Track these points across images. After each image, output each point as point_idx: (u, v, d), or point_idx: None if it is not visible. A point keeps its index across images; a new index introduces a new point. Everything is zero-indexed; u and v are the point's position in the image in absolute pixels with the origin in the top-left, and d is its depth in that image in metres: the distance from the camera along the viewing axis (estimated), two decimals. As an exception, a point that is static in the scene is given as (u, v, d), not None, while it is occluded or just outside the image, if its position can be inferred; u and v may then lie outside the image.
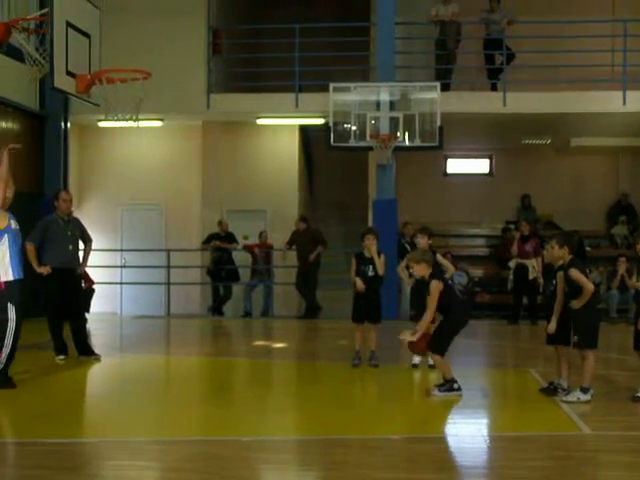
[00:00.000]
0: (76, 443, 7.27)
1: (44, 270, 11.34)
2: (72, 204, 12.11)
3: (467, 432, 7.91)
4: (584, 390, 8.81)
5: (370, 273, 11.18)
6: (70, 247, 11.73)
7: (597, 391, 8.98)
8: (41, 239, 11.50)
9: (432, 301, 9.23)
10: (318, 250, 18.23)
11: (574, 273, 8.79)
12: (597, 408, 8.66)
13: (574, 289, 8.83)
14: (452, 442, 7.59)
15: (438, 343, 9.36)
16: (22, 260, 9.72)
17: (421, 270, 9.44)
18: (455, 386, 9.27)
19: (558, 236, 9.28)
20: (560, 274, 9.10)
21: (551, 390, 9.20)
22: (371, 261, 11.19)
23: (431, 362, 10.96)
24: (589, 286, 8.79)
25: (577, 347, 8.95)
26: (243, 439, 7.31)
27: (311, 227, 18.84)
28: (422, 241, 11.24)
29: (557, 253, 9.01)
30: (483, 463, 6.98)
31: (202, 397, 9.94)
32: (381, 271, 11.23)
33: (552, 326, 9.11)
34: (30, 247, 11.39)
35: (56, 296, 11.57)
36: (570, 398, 8.81)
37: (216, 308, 19.13)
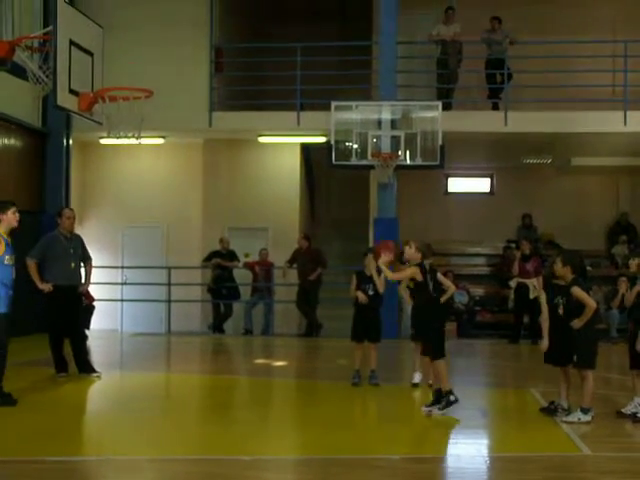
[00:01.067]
0: (75, 461, 7.26)
1: (46, 287, 11.35)
2: (75, 221, 12.13)
3: (467, 452, 7.90)
4: (584, 411, 8.81)
5: (370, 292, 11.20)
6: (72, 265, 11.73)
7: (597, 412, 8.97)
8: (43, 256, 11.50)
9: (403, 274, 9.68)
10: (318, 271, 18.24)
11: (577, 291, 8.81)
12: (597, 429, 8.65)
13: (576, 308, 8.84)
14: (452, 462, 7.58)
15: (438, 347, 9.33)
16: (8, 294, 9.51)
17: (413, 255, 9.56)
18: (452, 398, 9.23)
19: (563, 254, 9.33)
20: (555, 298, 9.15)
21: (551, 410, 9.20)
22: (371, 280, 11.21)
23: (431, 381, 10.95)
24: (592, 304, 8.81)
25: (576, 367, 8.98)
26: (243, 458, 7.30)
27: (312, 246, 18.84)
28: (409, 251, 11.19)
29: (560, 271, 9.03)
30: (483, 484, 6.98)
31: (202, 415, 9.93)
32: (381, 289, 11.24)
33: (545, 343, 9.13)
34: (31, 263, 11.40)
35: (57, 313, 11.58)
36: (571, 419, 8.81)
37: (217, 326, 19.11)
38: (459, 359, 14.73)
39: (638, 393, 9.16)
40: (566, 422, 8.74)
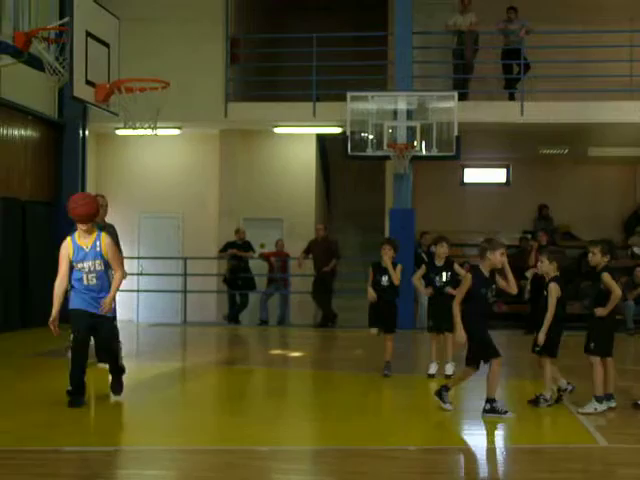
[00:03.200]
0: (92, 451, 7.29)
1: None
2: (107, 209, 12.02)
3: (483, 443, 7.90)
4: (599, 399, 8.77)
5: (384, 283, 11.18)
6: None
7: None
8: None
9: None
10: (332, 264, 18.26)
11: (607, 278, 8.80)
12: (613, 420, 8.64)
13: (602, 295, 8.84)
14: (468, 453, 7.58)
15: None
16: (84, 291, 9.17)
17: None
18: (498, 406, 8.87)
19: (602, 244, 9.27)
20: (552, 286, 9.11)
21: (533, 401, 9.20)
22: (387, 271, 11.19)
23: (448, 372, 10.98)
24: (618, 292, 8.80)
25: (592, 354, 8.91)
26: (260, 449, 7.32)
27: (329, 237, 18.87)
28: (442, 250, 11.25)
29: (597, 260, 9.02)
30: (499, 475, 6.97)
31: (218, 406, 9.97)
32: (396, 281, 11.20)
33: (541, 337, 9.09)
34: None
35: None
36: (587, 410, 8.77)
37: (232, 316, 19.16)
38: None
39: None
40: (583, 414, 8.72)
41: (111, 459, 7.17)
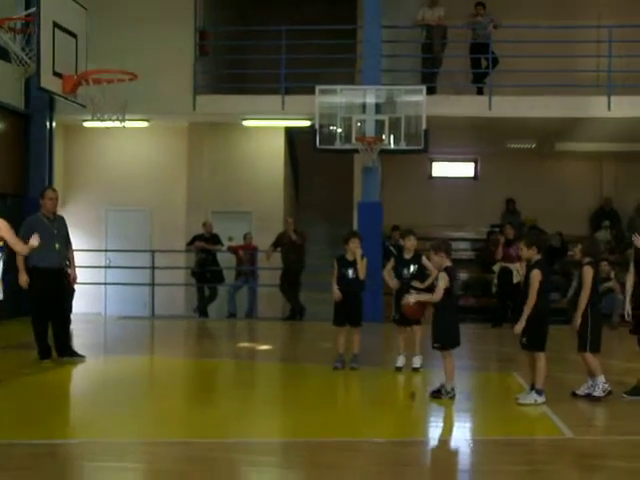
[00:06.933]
0: (60, 444, 7.27)
1: (24, 283, 11.19)
2: (58, 202, 11.97)
3: (451, 436, 7.95)
4: (539, 392, 8.88)
5: (351, 276, 11.20)
6: (57, 246, 11.50)
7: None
8: (28, 239, 11.31)
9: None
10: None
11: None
12: (580, 412, 8.72)
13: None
14: (436, 446, 7.62)
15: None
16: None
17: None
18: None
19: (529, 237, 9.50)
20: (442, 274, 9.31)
21: (436, 392, 9.31)
22: (352, 264, 11.20)
23: (415, 365, 11.04)
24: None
25: (526, 349, 9.10)
26: (228, 441, 7.32)
27: (297, 230, 18.84)
28: (410, 242, 11.28)
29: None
30: (466, 467, 7.02)
31: (187, 399, 9.94)
32: (362, 275, 11.23)
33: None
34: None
35: (42, 296, 11.40)
36: (527, 401, 8.88)
37: (201, 309, 19.11)
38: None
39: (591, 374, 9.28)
40: (522, 404, 8.83)
41: (80, 452, 7.15)
